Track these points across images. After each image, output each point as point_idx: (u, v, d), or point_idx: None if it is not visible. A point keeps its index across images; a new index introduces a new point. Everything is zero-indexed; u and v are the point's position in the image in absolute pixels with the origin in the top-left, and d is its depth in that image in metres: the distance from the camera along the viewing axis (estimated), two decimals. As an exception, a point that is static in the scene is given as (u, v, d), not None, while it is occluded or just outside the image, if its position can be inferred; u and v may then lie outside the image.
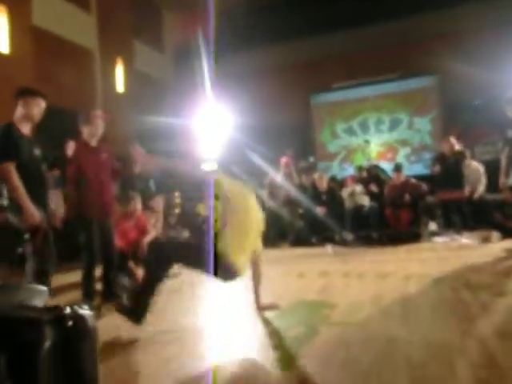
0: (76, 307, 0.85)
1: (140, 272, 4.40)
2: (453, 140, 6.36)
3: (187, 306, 3.41)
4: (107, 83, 8.75)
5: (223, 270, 2.52)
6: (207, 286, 4.35)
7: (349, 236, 6.37)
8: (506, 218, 5.63)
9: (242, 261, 2.60)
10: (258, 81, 9.60)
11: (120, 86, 9.13)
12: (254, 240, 2.79)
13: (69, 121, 6.43)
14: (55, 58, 7.34)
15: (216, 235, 2.54)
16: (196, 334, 2.61)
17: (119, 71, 9.13)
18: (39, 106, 3.20)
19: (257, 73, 9.70)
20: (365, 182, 7.15)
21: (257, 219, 2.81)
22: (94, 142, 3.66)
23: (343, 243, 6.03)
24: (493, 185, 5.82)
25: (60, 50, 7.59)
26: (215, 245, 2.50)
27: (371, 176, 7.35)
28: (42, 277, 2.98)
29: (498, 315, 2.49)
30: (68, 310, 0.82)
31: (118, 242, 4.28)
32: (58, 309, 0.82)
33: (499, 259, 4.26)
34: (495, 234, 5.48)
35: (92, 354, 0.87)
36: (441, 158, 6.58)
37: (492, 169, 5.70)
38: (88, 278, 3.55)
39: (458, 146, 6.40)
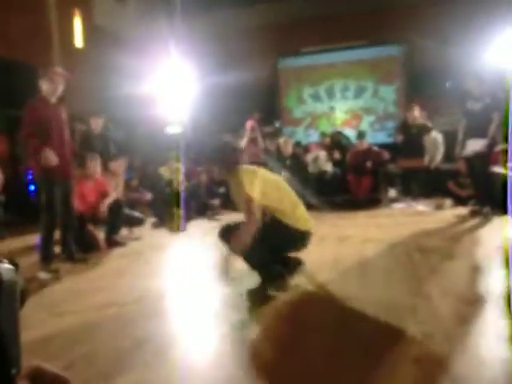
0: None
1: (99, 234, 4.35)
2: (416, 110, 6.50)
3: (149, 269, 3.40)
4: (64, 37, 8.22)
5: (300, 237, 2.67)
6: (171, 249, 4.38)
7: (312, 200, 6.50)
8: (459, 186, 5.90)
9: (302, 215, 2.78)
10: (226, 42, 9.32)
11: (78, 40, 8.60)
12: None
13: (23, 74, 6.06)
14: (6, 3, 6.79)
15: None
16: (156, 297, 2.62)
17: (77, 24, 8.58)
18: None
19: (224, 34, 9.40)
20: (328, 149, 7.25)
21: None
22: (53, 100, 3.50)
23: (306, 207, 6.14)
24: (449, 155, 6.06)
25: (10, -2, 7.02)
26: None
27: (334, 142, 7.45)
28: None
29: (445, 277, 2.65)
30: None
31: (77, 205, 4.17)
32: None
33: (450, 225, 4.49)
34: (448, 202, 5.75)
35: (8, 308, 0.85)
36: (404, 127, 6.73)
37: (450, 139, 5.90)
38: (47, 241, 3.46)
39: (420, 116, 6.55)
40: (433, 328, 1.88)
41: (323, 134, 7.95)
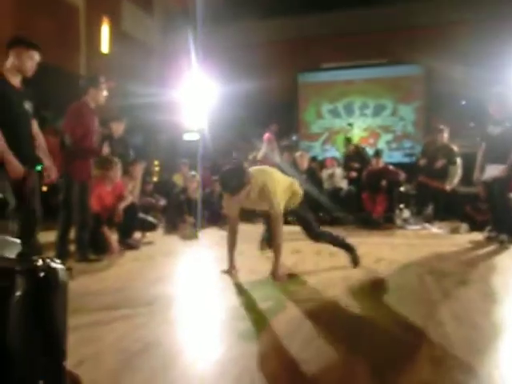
0: (48, 260, 0.86)
1: (113, 237, 4.40)
2: (446, 133, 6.41)
3: (160, 275, 3.42)
4: (92, 42, 8.44)
5: None
6: (182, 256, 4.40)
7: (325, 217, 6.48)
8: (477, 211, 5.81)
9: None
10: (247, 55, 9.46)
11: (105, 46, 8.82)
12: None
13: (52, 77, 6.23)
14: (37, 9, 7.01)
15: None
16: (167, 302, 2.63)
17: (105, 31, 8.81)
18: (32, 59, 3.06)
19: (246, 46, 9.54)
20: (349, 159, 7.20)
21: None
22: (92, 105, 3.75)
23: (319, 223, 6.11)
24: (467, 178, 5.99)
25: (43, 1, 7.24)
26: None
27: (358, 152, 7.38)
28: (26, 233, 2.93)
29: (458, 301, 2.61)
30: (40, 262, 0.84)
31: (94, 206, 4.24)
32: (30, 260, 0.84)
33: (465, 250, 4.42)
34: (464, 226, 5.67)
35: (61, 306, 0.88)
36: (429, 150, 6.62)
37: (468, 162, 5.84)
38: (63, 239, 3.54)
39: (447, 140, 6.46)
40: (443, 353, 1.85)
41: (348, 140, 7.86)
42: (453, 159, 6.32)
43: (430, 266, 3.60)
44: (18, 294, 0.77)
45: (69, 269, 3.01)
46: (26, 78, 3.07)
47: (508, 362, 1.80)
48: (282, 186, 3.08)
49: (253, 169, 3.14)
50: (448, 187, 6.32)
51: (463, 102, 5.36)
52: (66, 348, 0.94)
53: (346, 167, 7.19)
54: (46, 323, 0.83)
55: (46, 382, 0.87)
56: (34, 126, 3.16)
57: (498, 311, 2.46)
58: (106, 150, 4.29)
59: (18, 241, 0.98)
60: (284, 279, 3.03)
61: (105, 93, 3.77)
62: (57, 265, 0.88)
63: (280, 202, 2.96)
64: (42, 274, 0.83)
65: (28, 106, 3.08)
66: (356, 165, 7.03)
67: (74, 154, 3.60)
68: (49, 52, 6.76)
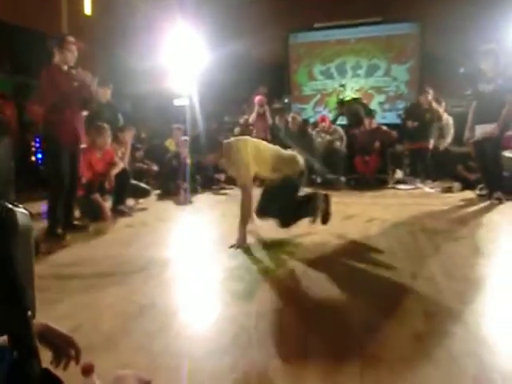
0: (6, 203, 0.85)
1: (106, 204, 4.37)
2: (430, 94, 6.34)
3: (154, 240, 3.43)
4: (73, 4, 8.06)
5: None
6: (176, 221, 4.41)
7: (318, 178, 6.49)
8: (468, 170, 5.83)
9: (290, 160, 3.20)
10: (236, 14, 9.12)
11: (88, 7, 8.44)
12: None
13: (31, 41, 5.99)
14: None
15: None
16: (161, 266, 2.65)
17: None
18: None
19: (236, 6, 9.18)
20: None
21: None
22: (65, 68, 3.54)
23: (312, 185, 6.13)
24: (460, 138, 5.96)
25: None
26: None
27: (350, 113, 7.24)
28: None
29: (448, 257, 2.65)
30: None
31: (85, 174, 4.19)
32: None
33: (456, 208, 4.47)
34: (456, 185, 5.70)
35: (24, 252, 0.88)
36: (415, 112, 6.57)
37: (462, 121, 5.80)
38: (55, 207, 3.49)
39: (433, 100, 6.39)
40: (435, 306, 1.89)
41: (340, 102, 7.66)
42: (436, 119, 6.30)
43: (422, 224, 3.65)
44: None
45: (62, 237, 3.00)
46: None
47: (493, 310, 1.86)
48: (261, 155, 3.06)
49: (234, 138, 3.25)
50: (441, 146, 6.32)
51: (461, 70, 5.23)
52: (33, 297, 0.93)
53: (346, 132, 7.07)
54: (3, 267, 0.82)
55: (7, 332, 0.87)
56: None
57: (486, 265, 2.51)
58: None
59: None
60: (242, 246, 2.98)
61: (75, 53, 3.54)
62: (17, 208, 0.86)
63: (248, 172, 2.95)
64: None
65: None
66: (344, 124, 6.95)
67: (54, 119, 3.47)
68: (28, 14, 6.51)
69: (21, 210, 0.87)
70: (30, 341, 0.88)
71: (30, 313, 0.88)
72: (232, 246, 2.96)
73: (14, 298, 0.85)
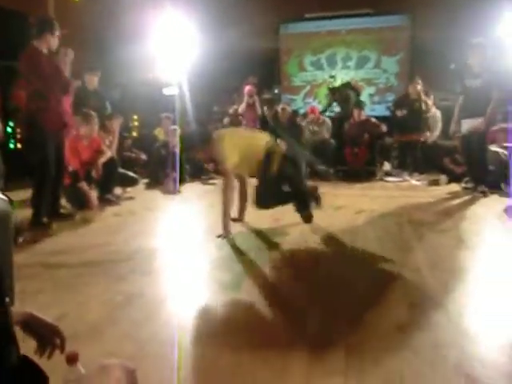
0: None
1: (92, 192, 4.33)
2: (419, 85, 6.36)
3: (142, 229, 3.42)
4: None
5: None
6: (164, 210, 4.39)
7: (307, 169, 6.48)
8: (455, 163, 5.90)
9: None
10: (228, 2, 9.00)
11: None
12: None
13: (14, 23, 5.83)
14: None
15: None
16: (148, 255, 2.64)
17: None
18: None
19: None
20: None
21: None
22: (45, 51, 3.39)
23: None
24: (447, 131, 6.02)
25: None
26: None
27: (342, 98, 7.18)
28: None
29: (433, 248, 2.69)
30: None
31: (71, 162, 4.14)
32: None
33: (442, 200, 4.52)
34: (443, 178, 5.76)
35: (3, 237, 0.86)
36: (404, 102, 6.60)
37: (448, 115, 5.84)
38: (40, 195, 3.43)
39: (422, 91, 6.42)
40: (419, 296, 1.93)
41: (331, 90, 7.56)
42: (425, 111, 6.35)
43: (409, 215, 3.69)
44: None
45: (48, 225, 2.97)
46: None
47: (475, 301, 1.90)
48: (245, 144, 3.09)
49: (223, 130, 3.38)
50: (428, 137, 6.37)
51: (452, 66, 5.24)
52: (12, 284, 0.92)
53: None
54: None
55: None
56: None
57: (469, 257, 2.56)
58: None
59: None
60: (226, 234, 2.98)
61: (57, 41, 3.44)
62: None
63: (229, 160, 2.96)
64: None
65: None
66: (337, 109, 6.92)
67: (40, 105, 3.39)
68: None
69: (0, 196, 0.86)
70: (7, 327, 0.87)
71: (8, 299, 0.87)
72: (219, 236, 2.96)
73: None
